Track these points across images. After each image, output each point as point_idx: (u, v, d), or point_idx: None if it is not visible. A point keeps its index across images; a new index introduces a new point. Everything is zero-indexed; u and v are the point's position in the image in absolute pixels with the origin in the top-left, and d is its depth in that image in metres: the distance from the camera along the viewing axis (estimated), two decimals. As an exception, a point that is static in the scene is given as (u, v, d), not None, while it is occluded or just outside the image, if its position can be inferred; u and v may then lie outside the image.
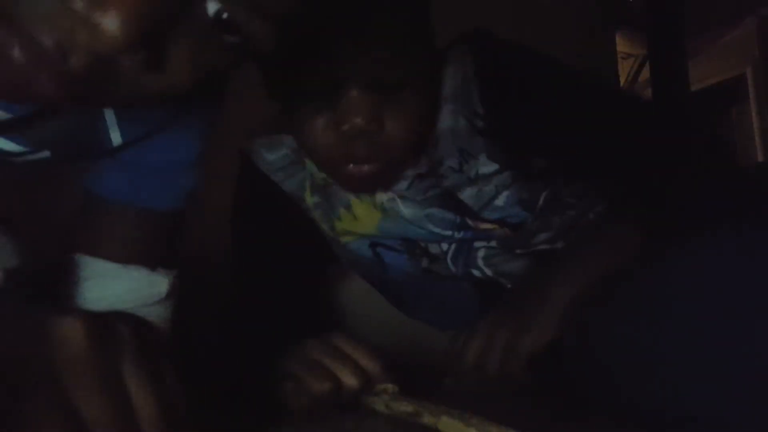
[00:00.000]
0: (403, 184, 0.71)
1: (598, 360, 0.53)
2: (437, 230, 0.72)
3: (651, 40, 1.90)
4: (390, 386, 0.52)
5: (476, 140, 0.70)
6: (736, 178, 0.69)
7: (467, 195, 0.71)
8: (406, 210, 0.71)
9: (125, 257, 0.49)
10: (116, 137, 0.47)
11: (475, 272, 0.73)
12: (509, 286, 0.73)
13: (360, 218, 0.75)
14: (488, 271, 0.73)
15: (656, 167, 0.66)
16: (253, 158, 0.78)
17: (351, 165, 0.65)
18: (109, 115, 0.46)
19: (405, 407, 0.48)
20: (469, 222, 0.71)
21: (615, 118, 0.70)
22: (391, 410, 0.49)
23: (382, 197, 0.72)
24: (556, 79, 0.71)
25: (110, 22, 0.28)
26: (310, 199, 0.77)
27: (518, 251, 0.72)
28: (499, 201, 0.71)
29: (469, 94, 0.70)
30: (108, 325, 0.30)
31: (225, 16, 0.32)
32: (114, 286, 0.49)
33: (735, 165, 0.78)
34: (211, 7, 0.32)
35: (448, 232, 0.72)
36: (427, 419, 0.45)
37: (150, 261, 0.50)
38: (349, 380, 0.54)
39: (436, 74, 0.70)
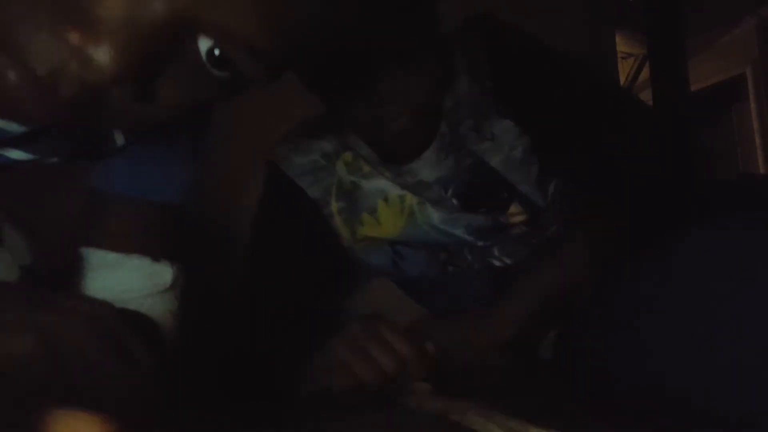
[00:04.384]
0: (441, 155, 0.76)
1: (595, 358, 0.53)
2: (464, 236, 0.74)
3: (651, 40, 1.90)
4: (424, 385, 0.54)
5: (487, 99, 0.76)
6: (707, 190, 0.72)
7: (497, 161, 0.76)
8: (435, 214, 0.74)
9: (127, 247, 0.50)
10: (120, 139, 0.48)
11: (495, 261, 0.76)
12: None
13: (383, 223, 0.77)
14: (507, 260, 0.75)
15: (630, 172, 0.70)
16: (281, 164, 0.81)
17: (391, 124, 0.72)
18: None
19: (435, 404, 0.49)
20: (500, 219, 0.74)
21: (602, 114, 0.74)
22: (422, 408, 0.51)
23: (412, 200, 0.74)
24: (553, 62, 0.77)
25: (102, 55, 0.29)
26: (334, 205, 0.79)
27: (533, 241, 0.74)
28: (533, 170, 0.76)
29: (480, 62, 0.77)
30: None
31: (217, 52, 0.32)
32: (117, 276, 0.50)
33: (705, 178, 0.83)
34: (203, 44, 0.32)
35: (471, 238, 0.74)
36: (454, 416, 0.46)
37: (152, 252, 0.51)
38: (390, 365, 0.56)
39: (446, 46, 0.78)
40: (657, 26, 1.87)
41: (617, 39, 2.14)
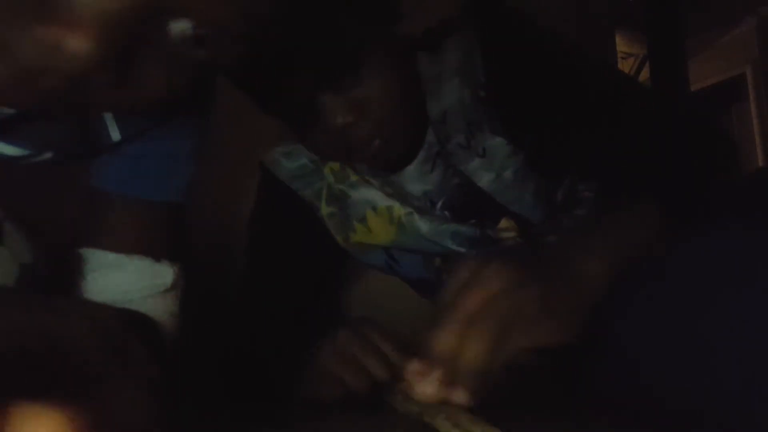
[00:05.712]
0: (426, 168, 0.72)
1: (615, 354, 0.52)
2: (454, 246, 0.72)
3: (651, 40, 1.90)
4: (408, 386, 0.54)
5: (479, 111, 0.70)
6: (741, 179, 0.68)
7: (486, 182, 0.71)
8: (423, 225, 0.72)
9: (128, 248, 0.50)
10: (115, 134, 0.48)
11: None
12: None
13: (374, 231, 0.76)
14: None
15: (657, 158, 0.64)
16: (272, 167, 0.80)
17: (362, 149, 0.67)
18: (107, 114, 0.47)
19: (413, 406, 0.49)
20: (489, 232, 0.71)
21: (617, 105, 0.69)
22: (403, 409, 0.51)
23: (400, 211, 0.72)
24: (558, 57, 0.71)
25: (77, 46, 0.30)
26: (325, 209, 0.78)
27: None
28: (528, 195, 0.71)
29: (474, 63, 0.71)
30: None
31: (192, 34, 0.33)
32: (118, 276, 0.50)
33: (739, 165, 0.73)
34: (178, 27, 0.33)
35: (463, 249, 0.72)
36: (426, 418, 0.46)
37: (153, 252, 0.51)
38: (380, 373, 0.56)
39: (420, 43, 0.72)
40: (657, 26, 1.87)
41: (617, 39, 2.13)
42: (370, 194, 0.75)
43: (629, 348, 0.50)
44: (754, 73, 2.75)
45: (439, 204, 0.74)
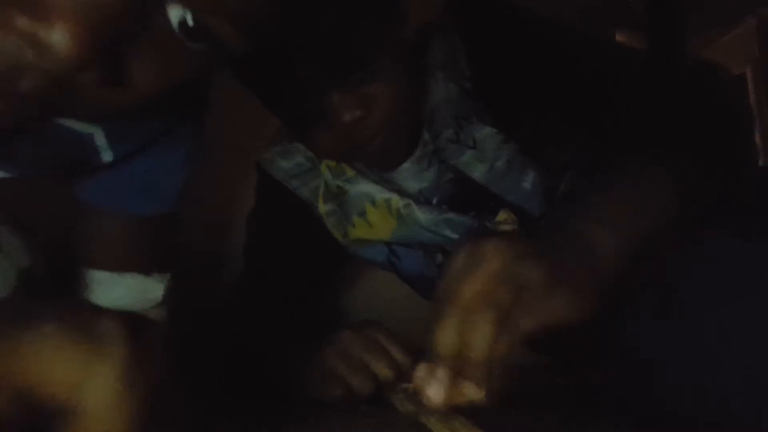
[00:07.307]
0: (422, 166, 0.73)
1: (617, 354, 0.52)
2: (453, 236, 0.72)
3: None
4: (410, 386, 0.54)
5: (466, 103, 0.71)
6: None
7: (479, 173, 0.70)
8: (422, 216, 0.73)
9: (120, 265, 0.50)
10: (108, 156, 0.47)
11: None
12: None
13: (375, 225, 0.76)
14: None
15: (666, 130, 0.57)
16: (268, 167, 0.80)
17: (365, 147, 0.68)
18: (99, 138, 0.45)
19: (410, 406, 0.49)
20: (487, 224, 0.71)
21: (612, 77, 0.66)
22: (403, 409, 0.51)
23: (398, 203, 0.73)
24: (545, 41, 0.70)
25: (59, 39, 0.26)
26: (322, 207, 0.78)
27: None
28: (525, 185, 0.70)
29: (457, 57, 0.72)
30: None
31: (190, 23, 0.30)
32: (110, 295, 0.50)
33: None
34: (174, 15, 0.29)
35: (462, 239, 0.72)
36: (422, 419, 0.46)
37: (144, 266, 0.51)
38: (384, 373, 0.56)
39: (412, 43, 0.72)
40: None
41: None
42: (368, 188, 0.76)
43: (632, 350, 0.50)
44: (754, 73, 2.74)
45: (435, 200, 0.74)
